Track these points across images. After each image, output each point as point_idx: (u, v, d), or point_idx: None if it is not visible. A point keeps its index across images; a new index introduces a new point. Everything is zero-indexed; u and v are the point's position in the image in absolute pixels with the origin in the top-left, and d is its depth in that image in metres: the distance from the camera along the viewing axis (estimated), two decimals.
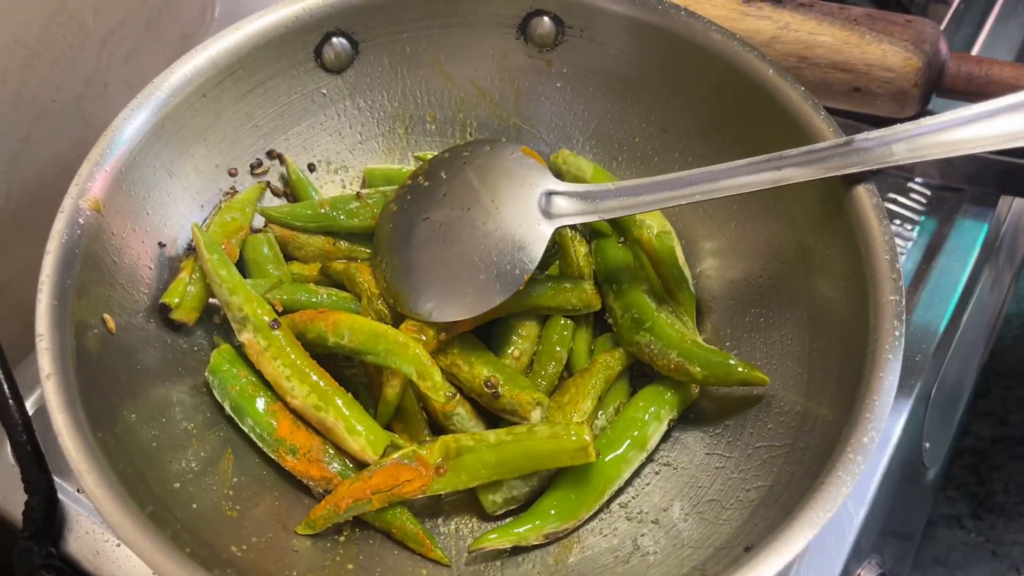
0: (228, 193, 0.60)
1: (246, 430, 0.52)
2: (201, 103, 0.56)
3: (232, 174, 0.60)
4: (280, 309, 0.56)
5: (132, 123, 0.52)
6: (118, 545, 0.54)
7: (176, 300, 0.54)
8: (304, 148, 0.63)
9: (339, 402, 0.52)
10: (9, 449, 0.54)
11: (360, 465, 0.51)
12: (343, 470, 0.51)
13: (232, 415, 0.52)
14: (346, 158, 0.65)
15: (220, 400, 0.53)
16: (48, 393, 0.42)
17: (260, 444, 0.52)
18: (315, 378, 0.52)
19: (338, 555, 0.49)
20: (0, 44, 0.54)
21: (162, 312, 0.54)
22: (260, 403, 0.52)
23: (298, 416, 0.52)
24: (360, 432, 0.51)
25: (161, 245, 0.55)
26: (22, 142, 0.57)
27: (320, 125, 0.63)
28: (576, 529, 0.51)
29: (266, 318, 0.53)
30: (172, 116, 0.54)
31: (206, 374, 0.53)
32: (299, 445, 0.51)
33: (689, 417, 0.55)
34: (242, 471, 0.51)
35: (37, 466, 0.53)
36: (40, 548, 0.52)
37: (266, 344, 0.53)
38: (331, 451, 0.52)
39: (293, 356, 0.53)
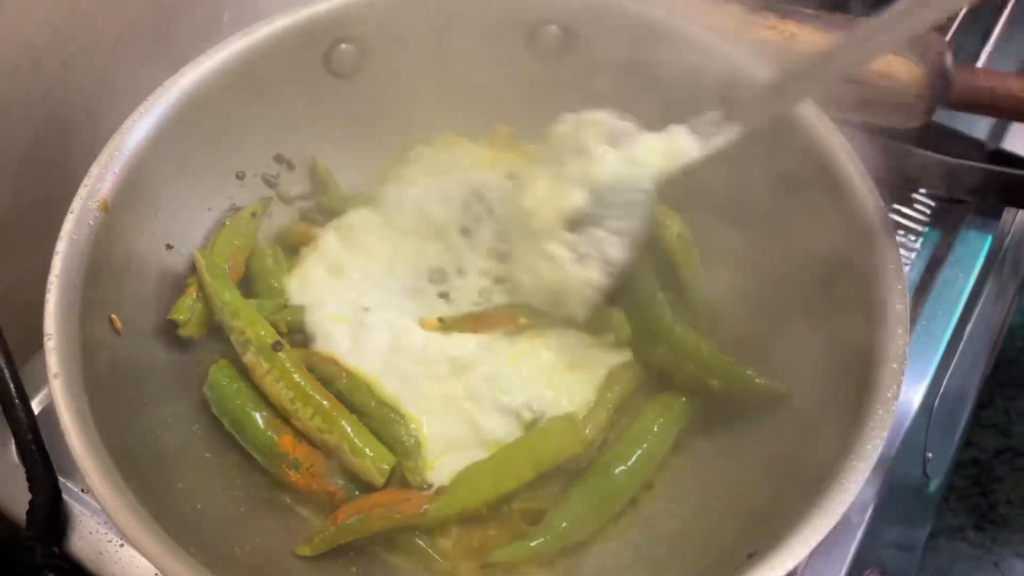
0: (232, 209, 0.60)
1: (246, 446, 0.51)
2: (210, 107, 0.56)
3: (240, 177, 0.60)
4: (284, 330, 0.56)
5: (141, 126, 0.52)
6: (121, 545, 0.54)
7: (183, 317, 0.54)
8: (312, 152, 0.63)
9: (344, 424, 0.51)
10: (14, 448, 0.54)
11: (364, 484, 0.51)
12: (346, 484, 0.50)
13: (232, 431, 0.52)
14: (354, 162, 0.65)
15: (219, 416, 0.52)
16: (55, 392, 0.42)
17: (261, 460, 0.51)
18: (319, 399, 0.51)
19: (341, 559, 0.49)
20: (11, 47, 0.54)
21: (170, 328, 0.54)
22: (260, 418, 0.52)
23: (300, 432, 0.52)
24: (366, 454, 0.50)
25: (168, 247, 0.55)
26: (32, 144, 0.58)
27: (328, 129, 0.63)
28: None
29: (268, 340, 0.53)
30: (181, 119, 0.54)
31: (204, 390, 0.52)
32: (301, 459, 0.50)
33: (695, 425, 0.55)
34: (247, 472, 0.51)
35: (42, 466, 0.53)
36: (43, 548, 0.52)
37: (268, 367, 0.52)
38: (335, 466, 0.51)
39: (297, 378, 0.52)
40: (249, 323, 0.53)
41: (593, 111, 0.54)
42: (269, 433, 0.51)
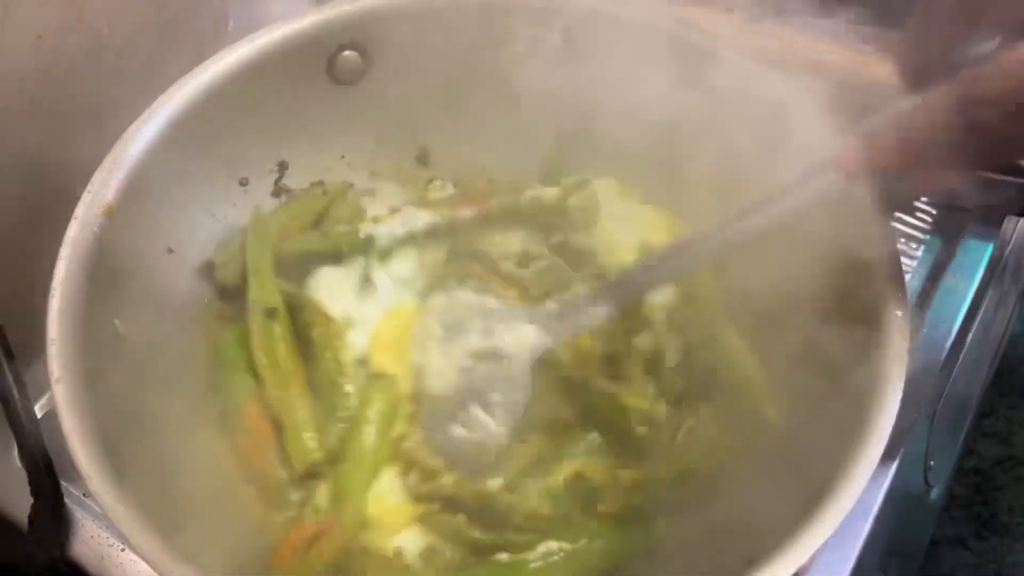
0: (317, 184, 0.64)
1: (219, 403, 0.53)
2: (213, 113, 0.56)
3: (243, 183, 0.61)
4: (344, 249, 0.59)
5: (145, 132, 0.52)
6: (123, 549, 0.54)
7: (223, 258, 0.57)
8: (315, 159, 0.64)
9: (296, 403, 0.52)
10: (16, 453, 0.54)
11: (295, 470, 0.51)
12: (279, 471, 0.51)
13: (220, 386, 0.54)
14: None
15: (216, 367, 0.54)
16: (58, 397, 0.42)
17: (224, 420, 0.53)
18: (287, 372, 0.53)
19: None
20: (18, 55, 0.54)
21: (208, 271, 0.56)
22: (244, 382, 0.53)
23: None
24: (300, 438, 0.51)
25: (170, 251, 0.55)
26: (37, 150, 0.58)
27: (332, 136, 0.64)
28: None
29: (267, 304, 0.55)
30: (185, 126, 0.54)
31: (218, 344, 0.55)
32: (255, 431, 0.52)
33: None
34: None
35: (44, 470, 0.53)
36: (46, 552, 0.52)
37: (260, 328, 0.54)
38: (280, 451, 0.52)
39: (277, 347, 0.54)
40: (260, 283, 0.56)
41: (465, 292, 0.56)
42: (242, 397, 0.53)
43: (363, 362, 0.55)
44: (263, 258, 0.57)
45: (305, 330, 0.55)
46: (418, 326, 0.56)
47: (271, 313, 0.55)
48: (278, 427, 0.52)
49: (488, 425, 0.52)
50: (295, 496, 0.51)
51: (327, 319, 0.56)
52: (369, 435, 0.53)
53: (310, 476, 0.51)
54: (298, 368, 0.54)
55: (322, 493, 0.51)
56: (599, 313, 0.51)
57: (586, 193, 0.61)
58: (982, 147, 0.38)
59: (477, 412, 0.52)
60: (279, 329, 0.55)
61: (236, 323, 0.56)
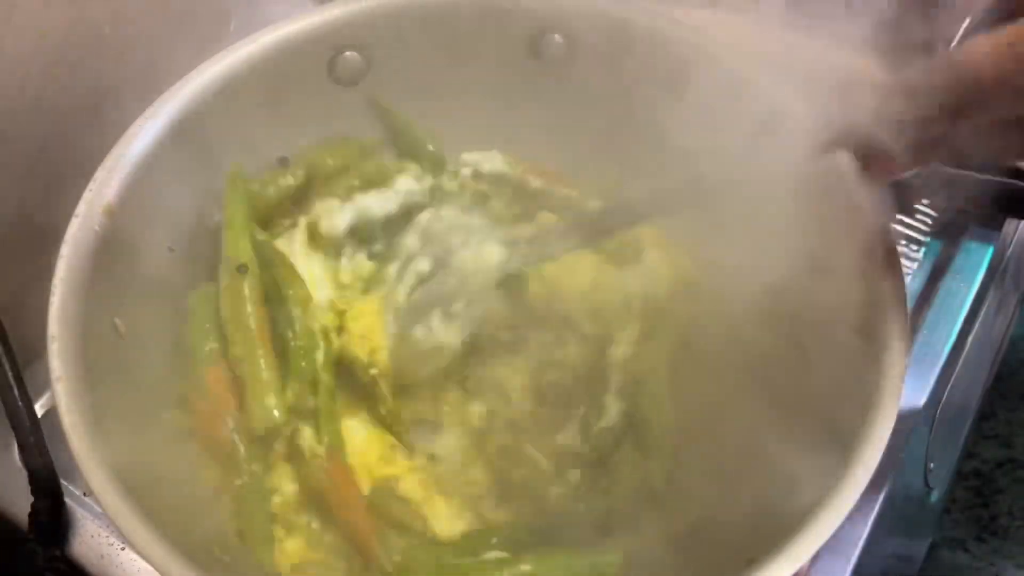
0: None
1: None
2: (214, 113, 0.56)
3: None
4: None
5: (147, 131, 0.52)
6: (123, 549, 0.54)
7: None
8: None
9: (261, 363, 0.51)
10: (16, 453, 0.54)
11: (251, 434, 0.50)
12: (237, 440, 0.50)
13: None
14: None
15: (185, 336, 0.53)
16: (58, 395, 0.42)
17: (182, 381, 0.52)
18: (252, 328, 0.52)
19: None
20: (20, 53, 0.55)
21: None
22: (208, 345, 0.52)
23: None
24: (260, 399, 0.50)
25: (171, 250, 0.55)
26: (39, 150, 0.58)
27: (333, 136, 0.64)
28: None
29: (237, 260, 0.54)
30: (186, 125, 0.54)
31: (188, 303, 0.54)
32: (214, 395, 0.51)
33: None
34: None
35: (44, 469, 0.53)
36: (46, 551, 0.52)
37: (227, 284, 0.53)
38: (238, 417, 0.51)
39: (244, 303, 0.52)
40: (232, 238, 0.55)
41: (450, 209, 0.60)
42: (206, 361, 0.52)
43: (335, 327, 0.57)
44: (237, 214, 0.55)
45: (275, 287, 0.54)
46: (400, 243, 0.60)
47: (242, 269, 0.53)
48: (240, 390, 0.51)
49: (442, 332, 0.54)
50: (253, 466, 0.50)
51: (294, 274, 0.55)
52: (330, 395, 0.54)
53: (268, 439, 0.51)
54: (265, 327, 0.53)
55: (307, 436, 0.51)
56: (569, 245, 0.53)
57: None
58: (927, 139, 0.39)
59: (436, 319, 0.55)
60: (248, 286, 0.53)
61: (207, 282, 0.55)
